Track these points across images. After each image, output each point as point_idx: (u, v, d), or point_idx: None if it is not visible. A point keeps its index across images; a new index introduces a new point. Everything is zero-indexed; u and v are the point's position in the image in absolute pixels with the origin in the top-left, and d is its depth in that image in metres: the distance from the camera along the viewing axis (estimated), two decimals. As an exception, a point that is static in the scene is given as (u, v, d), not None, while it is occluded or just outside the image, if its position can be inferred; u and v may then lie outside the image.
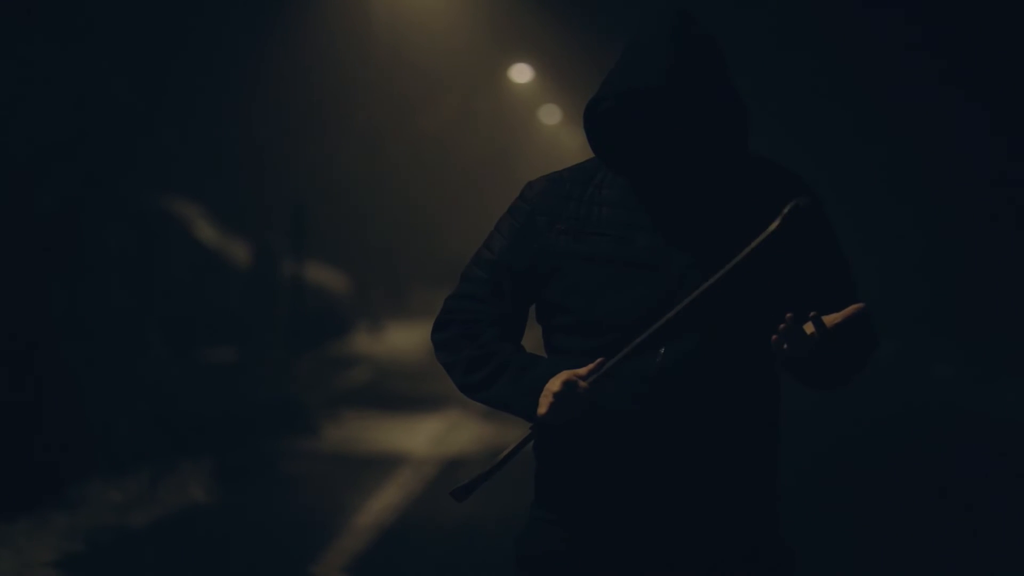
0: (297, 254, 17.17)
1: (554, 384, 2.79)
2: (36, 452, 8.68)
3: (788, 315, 2.71)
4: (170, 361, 12.25)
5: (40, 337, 9.47)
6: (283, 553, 7.37)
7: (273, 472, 9.86)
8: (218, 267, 16.54)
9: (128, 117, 12.54)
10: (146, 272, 13.03)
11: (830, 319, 2.73)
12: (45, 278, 9.81)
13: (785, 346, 2.71)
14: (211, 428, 10.74)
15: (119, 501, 8.26)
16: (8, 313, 9.41)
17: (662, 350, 2.81)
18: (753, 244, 2.77)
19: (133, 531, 7.69)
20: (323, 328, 18.63)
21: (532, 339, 2.94)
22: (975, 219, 19.35)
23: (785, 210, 2.79)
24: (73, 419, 9.25)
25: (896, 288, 20.07)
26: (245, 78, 20.58)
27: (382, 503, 8.70)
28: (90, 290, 10.42)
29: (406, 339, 22.02)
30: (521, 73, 30.50)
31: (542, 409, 2.80)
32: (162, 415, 10.46)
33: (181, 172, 17.37)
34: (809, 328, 2.71)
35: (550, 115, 35.33)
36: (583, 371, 2.79)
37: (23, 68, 10.41)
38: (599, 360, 2.80)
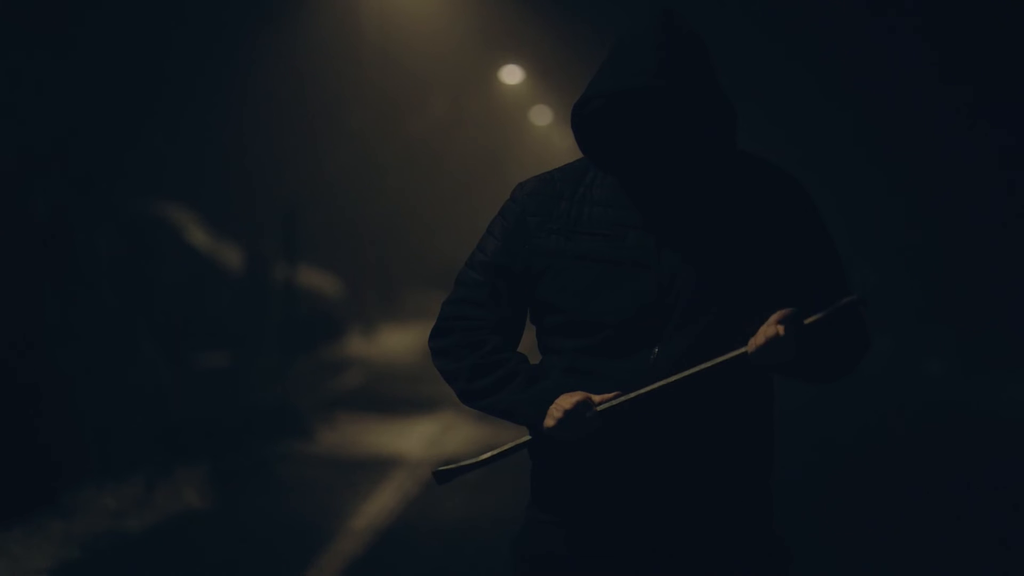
0: (289, 258, 17.15)
1: (567, 401, 2.80)
2: (31, 459, 8.67)
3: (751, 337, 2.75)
4: (163, 366, 12.24)
5: (33, 343, 9.46)
6: (279, 557, 7.36)
7: (268, 476, 9.85)
8: (211, 272, 16.51)
9: (119, 122, 12.54)
10: (138, 277, 13.01)
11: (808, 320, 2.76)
12: (37, 285, 9.80)
13: (755, 358, 2.74)
14: (205, 433, 10.73)
15: (114, 507, 8.25)
16: (1, 320, 9.40)
17: (656, 349, 2.82)
18: (809, 320, 2.78)
19: (129, 536, 7.69)
20: (316, 332, 18.61)
21: (530, 338, 2.95)
22: (968, 215, 19.37)
23: (843, 301, 2.79)
24: (67, 425, 9.24)
25: (889, 285, 20.08)
26: (235, 82, 20.56)
27: (377, 506, 8.70)
28: (82, 296, 10.40)
29: (399, 341, 22.02)
30: (511, 74, 30.47)
31: (550, 422, 2.81)
32: (156, 420, 10.45)
33: (173, 177, 17.36)
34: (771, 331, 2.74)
35: (541, 116, 35.31)
36: (597, 397, 2.80)
37: (13, 75, 10.40)
38: (616, 393, 2.80)
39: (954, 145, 19.48)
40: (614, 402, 2.78)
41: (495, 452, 2.89)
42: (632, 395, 2.78)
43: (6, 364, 9.14)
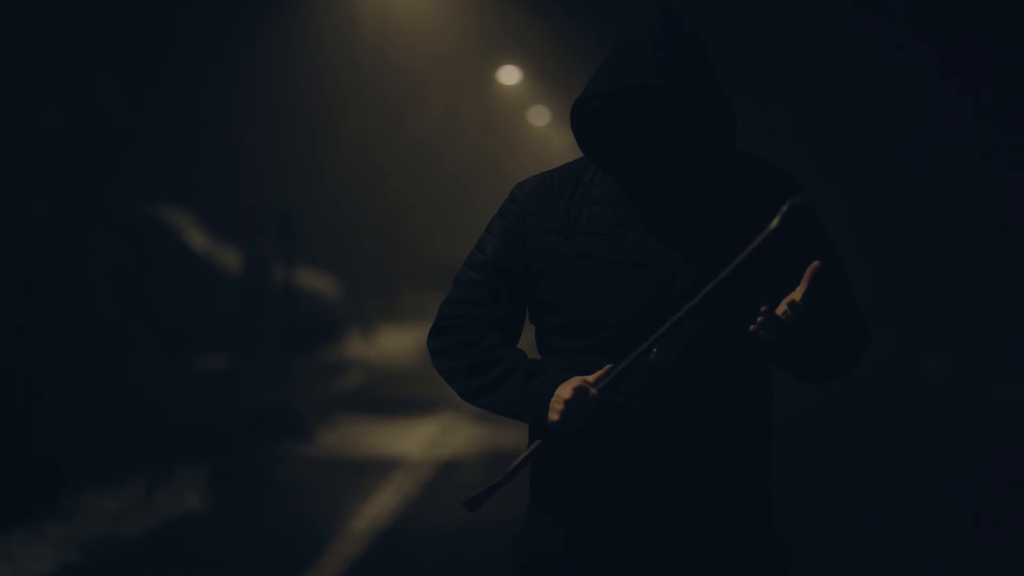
0: (288, 260, 17.15)
1: (565, 391, 2.79)
2: (31, 462, 8.67)
3: (763, 308, 2.70)
4: (163, 369, 12.24)
5: (33, 346, 9.46)
6: (279, 559, 7.36)
7: (268, 478, 9.85)
8: (210, 274, 16.52)
9: (117, 125, 12.53)
10: (138, 280, 13.01)
11: (796, 293, 2.74)
12: (37, 288, 9.79)
13: (763, 333, 2.71)
14: (205, 435, 10.73)
15: (114, 510, 8.25)
16: (0, 322, 9.39)
17: (655, 349, 2.81)
18: (753, 244, 2.76)
19: (129, 539, 7.68)
20: (315, 333, 18.62)
21: (528, 339, 2.94)
22: (968, 215, 19.37)
23: (784, 208, 2.77)
24: (67, 428, 9.24)
25: (890, 285, 20.09)
26: (233, 84, 20.57)
27: (377, 507, 8.70)
28: (82, 299, 10.40)
29: (398, 342, 22.03)
30: (509, 75, 30.50)
31: (553, 416, 2.80)
32: (156, 423, 10.45)
33: (171, 180, 17.36)
34: (782, 308, 2.72)
35: (539, 117, 35.34)
36: (592, 378, 2.79)
37: (13, 76, 10.39)
38: (607, 367, 2.79)
39: (954, 144, 19.49)
40: (608, 377, 2.78)
41: (516, 464, 2.88)
42: (624, 364, 2.77)
43: (6, 366, 9.14)
